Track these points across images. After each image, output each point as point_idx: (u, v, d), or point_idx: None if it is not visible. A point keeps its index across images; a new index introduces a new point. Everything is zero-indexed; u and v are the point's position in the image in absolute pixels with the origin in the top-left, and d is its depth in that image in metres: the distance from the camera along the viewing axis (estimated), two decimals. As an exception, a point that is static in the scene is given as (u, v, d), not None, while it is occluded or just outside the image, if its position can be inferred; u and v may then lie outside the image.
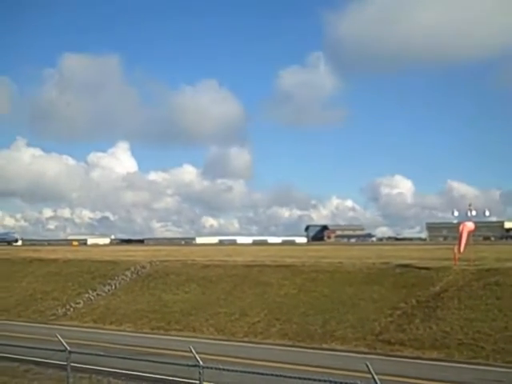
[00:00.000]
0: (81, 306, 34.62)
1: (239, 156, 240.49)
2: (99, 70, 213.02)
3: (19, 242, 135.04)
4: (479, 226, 44.05)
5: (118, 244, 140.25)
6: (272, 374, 11.16)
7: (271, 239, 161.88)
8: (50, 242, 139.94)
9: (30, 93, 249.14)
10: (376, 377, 9.37)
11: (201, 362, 11.76)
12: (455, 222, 59.91)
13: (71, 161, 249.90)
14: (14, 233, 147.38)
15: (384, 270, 30.68)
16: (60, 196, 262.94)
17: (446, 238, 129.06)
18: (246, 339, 25.72)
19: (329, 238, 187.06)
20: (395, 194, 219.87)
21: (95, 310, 33.57)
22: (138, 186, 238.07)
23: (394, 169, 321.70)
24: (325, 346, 23.65)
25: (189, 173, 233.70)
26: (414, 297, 26.41)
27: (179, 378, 16.36)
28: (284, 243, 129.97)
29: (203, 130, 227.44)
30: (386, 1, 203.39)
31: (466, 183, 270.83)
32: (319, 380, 10.06)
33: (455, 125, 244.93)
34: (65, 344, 14.08)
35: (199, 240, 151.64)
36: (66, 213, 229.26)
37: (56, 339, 14.39)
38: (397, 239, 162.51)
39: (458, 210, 42.29)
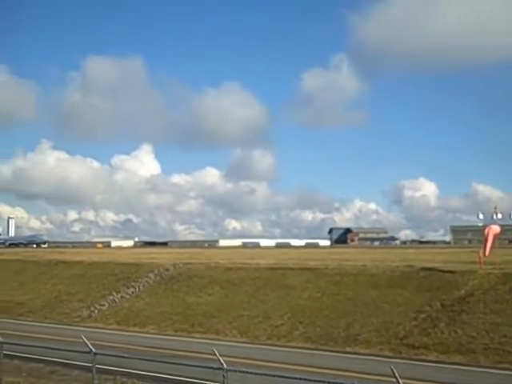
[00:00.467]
0: (105, 308, 34.92)
1: (262, 158, 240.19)
2: (122, 72, 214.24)
3: (46, 245, 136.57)
4: (505, 229, 43.56)
5: (141, 246, 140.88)
6: (295, 378, 11.14)
7: (294, 242, 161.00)
8: (74, 245, 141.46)
9: (54, 96, 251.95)
10: (401, 381, 9.32)
11: (225, 365, 11.76)
12: (480, 224, 59.49)
13: (95, 163, 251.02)
14: (42, 235, 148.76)
15: (408, 273, 30.43)
16: (84, 198, 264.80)
17: (470, 241, 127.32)
18: (269, 342, 25.68)
19: (352, 240, 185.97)
20: (419, 196, 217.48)
21: (119, 312, 33.83)
22: (161, 189, 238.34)
23: (417, 171, 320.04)
24: (348, 349, 23.54)
25: (212, 175, 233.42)
26: (438, 300, 26.13)
27: (203, 380, 16.42)
28: (307, 246, 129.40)
29: (226, 132, 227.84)
30: (410, 2, 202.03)
31: (491, 186, 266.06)
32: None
33: (480, 127, 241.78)
34: (90, 346, 14.22)
35: (222, 243, 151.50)
36: (90, 215, 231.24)
37: (81, 341, 14.51)
38: (420, 242, 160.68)
39: (482, 213, 41.99)
